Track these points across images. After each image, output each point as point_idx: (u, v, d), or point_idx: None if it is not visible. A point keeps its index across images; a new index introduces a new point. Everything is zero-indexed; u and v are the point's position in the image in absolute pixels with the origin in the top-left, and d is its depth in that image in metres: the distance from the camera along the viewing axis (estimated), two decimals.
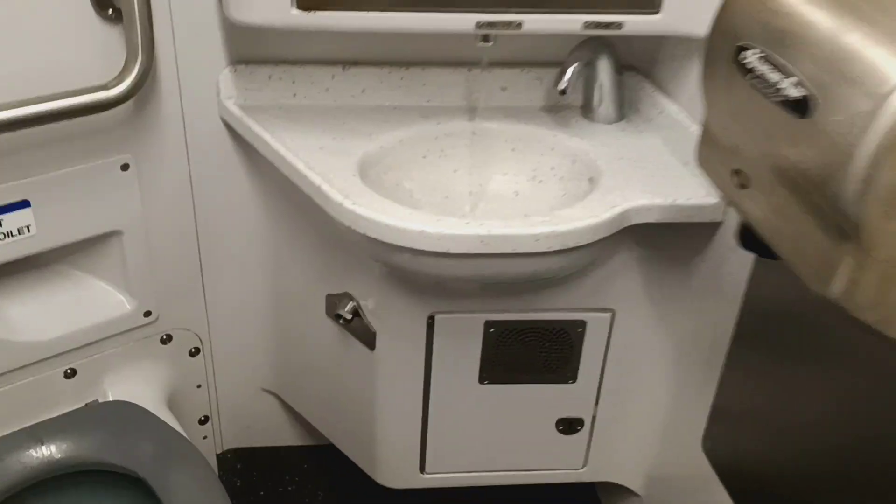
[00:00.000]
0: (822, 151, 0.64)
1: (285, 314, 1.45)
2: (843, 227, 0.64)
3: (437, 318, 1.23)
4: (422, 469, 1.39)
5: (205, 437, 1.63)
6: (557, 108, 1.34)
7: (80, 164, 1.20)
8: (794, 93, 0.65)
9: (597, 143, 1.25)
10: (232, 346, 1.53)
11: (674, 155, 1.20)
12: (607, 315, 1.26)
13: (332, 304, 1.31)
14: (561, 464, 1.41)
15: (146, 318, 1.39)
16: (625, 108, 1.31)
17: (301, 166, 1.13)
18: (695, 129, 1.17)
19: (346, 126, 1.25)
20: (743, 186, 0.78)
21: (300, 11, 1.05)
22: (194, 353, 1.51)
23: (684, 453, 1.26)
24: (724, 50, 0.74)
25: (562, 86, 1.21)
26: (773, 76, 0.68)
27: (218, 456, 1.67)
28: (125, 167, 1.25)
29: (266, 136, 1.20)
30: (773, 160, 0.71)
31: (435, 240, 1.02)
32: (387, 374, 1.30)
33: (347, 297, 1.28)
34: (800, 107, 0.65)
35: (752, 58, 0.71)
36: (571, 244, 1.05)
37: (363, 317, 1.27)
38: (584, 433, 1.38)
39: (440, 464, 1.39)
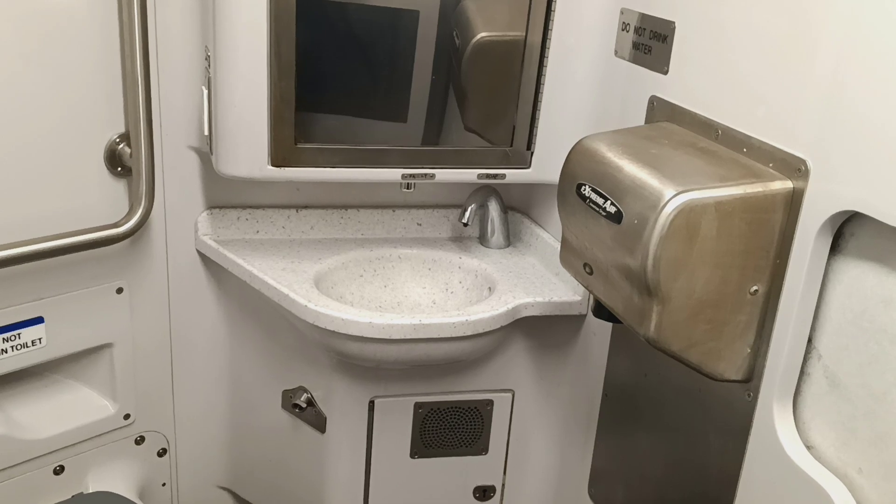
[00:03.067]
0: (630, 244, 1.04)
1: (244, 412, 1.73)
2: (648, 289, 1.03)
3: (377, 401, 1.55)
4: None
5: None
6: (461, 239, 1.74)
7: (85, 287, 1.50)
8: (611, 209, 1.06)
9: (492, 262, 1.65)
10: (193, 447, 1.78)
11: (548, 269, 1.61)
12: (509, 394, 1.62)
13: (288, 397, 1.62)
14: None
15: (125, 421, 1.65)
16: (511, 237, 1.73)
17: (270, 281, 1.47)
18: (556, 246, 1.58)
19: (300, 253, 1.61)
20: (590, 273, 1.17)
21: (273, 167, 1.42)
22: (161, 453, 1.75)
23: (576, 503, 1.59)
24: (569, 187, 1.15)
25: (464, 220, 1.62)
26: (599, 200, 1.09)
27: None
28: (120, 290, 1.55)
29: (240, 261, 1.54)
30: (605, 254, 1.11)
31: (380, 328, 1.36)
32: (335, 453, 1.59)
33: (302, 389, 1.60)
34: (615, 217, 1.05)
35: (586, 190, 1.12)
36: (480, 330, 1.41)
37: (315, 405, 1.58)
38: (496, 500, 1.69)
39: None
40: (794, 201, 1.00)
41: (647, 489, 1.36)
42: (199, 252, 1.63)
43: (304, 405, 1.58)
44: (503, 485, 1.69)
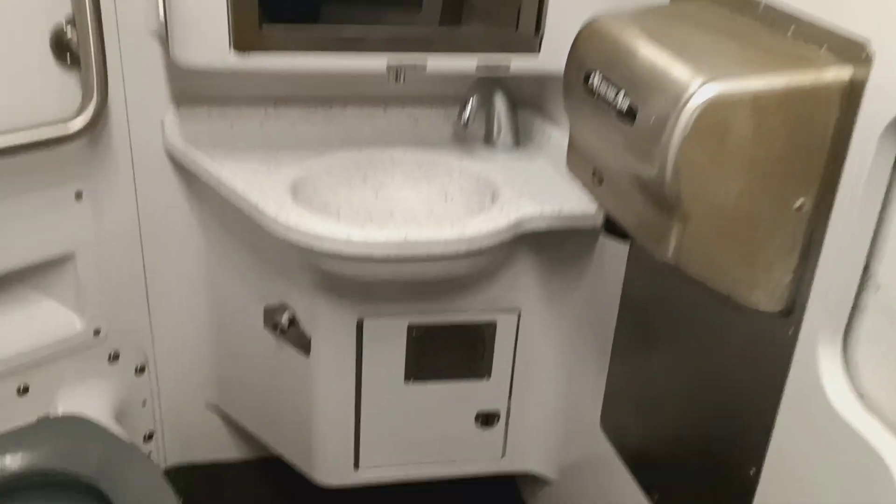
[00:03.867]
0: (645, 148, 0.84)
1: (226, 330, 1.59)
2: (667, 203, 0.83)
3: (366, 322, 1.39)
4: (356, 465, 1.53)
5: (150, 453, 1.73)
6: (463, 139, 1.54)
7: (37, 192, 1.34)
8: (623, 105, 0.85)
9: (497, 166, 1.45)
10: (176, 364, 1.65)
11: (560, 174, 1.41)
12: (514, 315, 1.45)
13: (270, 315, 1.47)
14: (481, 455, 1.57)
15: (95, 337, 1.51)
16: (520, 137, 1.52)
17: (240, 186, 1.30)
18: None
19: (278, 156, 1.42)
20: (600, 182, 0.97)
21: (237, 53, 1.22)
22: (140, 370, 1.63)
23: (587, 435, 1.43)
24: (576, 76, 0.94)
25: (464, 118, 1.41)
26: (610, 93, 0.88)
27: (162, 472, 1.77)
28: (79, 195, 1.39)
29: (207, 162, 1.36)
30: (616, 160, 0.91)
31: (360, 245, 1.19)
32: (321, 378, 1.45)
33: (283, 307, 1.44)
34: (628, 115, 0.85)
35: (595, 79, 0.91)
36: (476, 248, 1.23)
37: (298, 325, 1.43)
38: (500, 425, 1.55)
39: (372, 459, 1.53)
40: (852, 95, 0.78)
41: (665, 425, 1.19)
42: (168, 153, 1.45)
43: (286, 325, 1.42)
44: (508, 410, 1.54)
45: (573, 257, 1.39)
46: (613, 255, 1.28)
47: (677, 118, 0.79)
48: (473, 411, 1.53)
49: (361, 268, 1.24)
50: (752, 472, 0.99)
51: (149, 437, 1.72)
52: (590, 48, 0.94)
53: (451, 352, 1.46)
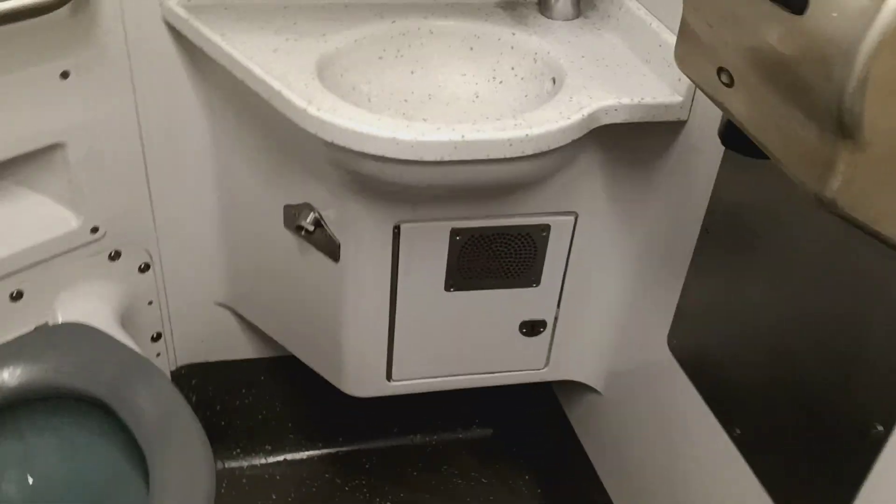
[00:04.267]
0: (817, 49, 0.63)
1: (240, 227, 1.41)
2: (838, 125, 0.64)
3: (404, 227, 1.21)
4: (388, 377, 1.40)
5: (158, 355, 1.60)
6: (514, 5, 1.30)
7: (16, 71, 1.12)
8: None
9: (556, 41, 1.22)
10: (183, 261, 1.48)
11: (635, 53, 1.19)
12: (570, 218, 1.26)
13: (291, 215, 1.28)
14: (523, 365, 1.44)
15: (93, 235, 1.33)
16: (582, 5, 1.28)
17: (257, 70, 1.08)
18: (656, 26, 1.15)
19: (298, 27, 1.19)
20: (728, 85, 0.77)
21: None
22: (144, 268, 1.46)
23: (648, 351, 1.29)
24: None
25: None
26: None
27: (172, 373, 1.65)
28: (65, 75, 1.17)
29: (216, 38, 1.13)
30: (762, 58, 0.70)
31: (407, 147, 0.99)
32: (352, 286, 1.28)
33: (308, 207, 1.25)
34: (796, 2, 0.64)
35: None
36: (545, 147, 1.03)
37: (326, 227, 1.25)
38: (546, 334, 1.40)
39: (406, 371, 1.39)
40: None
41: (756, 357, 1.04)
42: (167, 24, 1.21)
43: (311, 228, 1.24)
44: (556, 319, 1.39)
45: (649, 154, 1.19)
46: (704, 156, 1.08)
47: (874, 15, 0.58)
48: (518, 320, 1.38)
49: (407, 171, 1.04)
50: (877, 429, 0.84)
51: (157, 338, 1.57)
52: None
53: (497, 258, 1.28)
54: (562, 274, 1.33)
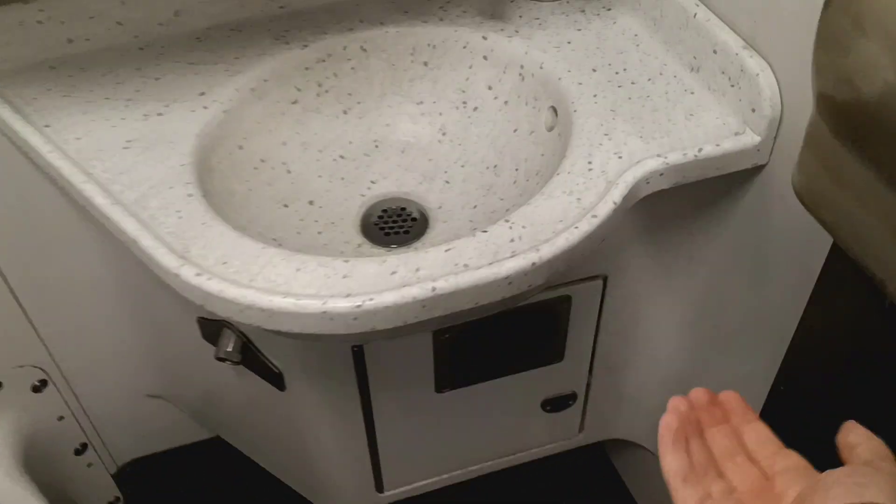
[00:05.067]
0: None
1: (154, 331, 1.04)
2: None
3: (367, 345, 0.85)
4: (379, 489, 1.07)
5: (90, 465, 1.27)
6: None
7: None
8: None
9: (550, 41, 0.82)
10: (91, 365, 1.12)
11: (673, 55, 0.78)
12: (598, 282, 0.90)
13: (210, 332, 0.91)
14: (550, 439, 1.11)
15: None
16: None
17: (99, 200, 0.68)
18: (692, 6, 0.74)
19: (160, 85, 0.79)
20: None
21: None
22: (39, 386, 1.11)
23: None
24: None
25: None
26: None
27: (114, 475, 1.33)
28: None
29: (35, 139, 0.73)
30: None
31: (348, 321, 0.61)
32: (310, 415, 0.93)
33: (226, 327, 0.88)
34: None
35: None
36: (562, 268, 0.66)
37: (257, 353, 0.89)
38: (577, 405, 1.07)
39: (401, 479, 1.07)
40: None
41: None
42: None
43: (237, 358, 0.88)
44: (588, 385, 1.05)
45: (707, 205, 0.82)
46: (786, 199, 0.71)
47: None
48: (539, 399, 1.04)
49: (353, 339, 0.67)
50: None
51: (82, 449, 1.24)
52: None
53: (503, 344, 0.93)
54: (591, 344, 0.98)
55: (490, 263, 0.63)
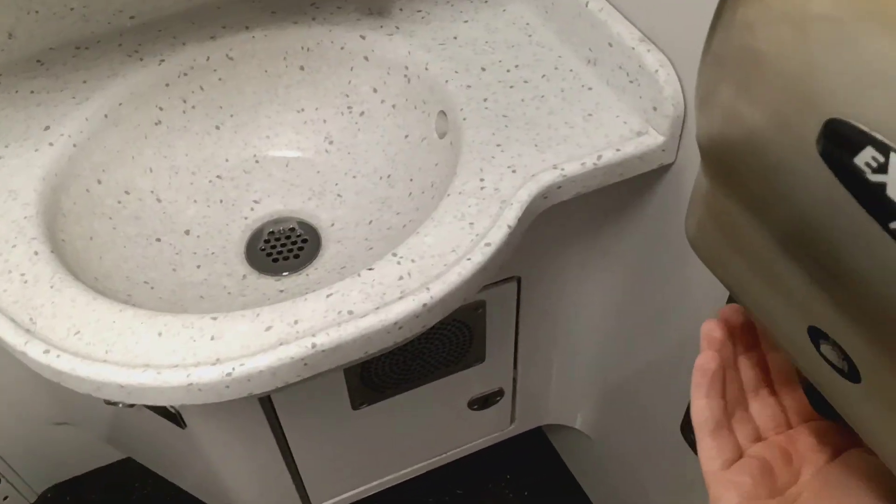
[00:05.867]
0: None
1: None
2: None
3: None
4: None
5: (6, 498, 1.21)
6: None
7: None
8: None
9: (434, 39, 0.74)
10: None
11: (570, 45, 0.72)
12: (511, 284, 0.85)
13: None
14: (482, 434, 1.08)
15: None
16: None
17: None
18: (595, 5, 0.67)
19: (5, 122, 0.70)
20: (843, 374, 0.35)
21: None
22: None
23: (655, 434, 0.93)
24: (785, 106, 0.28)
25: None
26: None
27: (35, 503, 1.26)
28: None
29: None
30: None
31: (220, 389, 0.55)
32: (217, 450, 0.88)
33: None
34: None
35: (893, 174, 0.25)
36: (455, 305, 0.60)
37: None
38: (505, 400, 1.03)
39: (329, 491, 1.02)
40: None
41: None
42: None
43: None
44: (515, 380, 1.00)
45: (618, 205, 0.76)
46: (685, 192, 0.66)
47: None
48: (465, 400, 0.99)
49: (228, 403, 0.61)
50: None
51: None
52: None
53: (417, 357, 0.88)
54: (513, 342, 0.93)
55: (377, 308, 0.57)
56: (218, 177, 0.77)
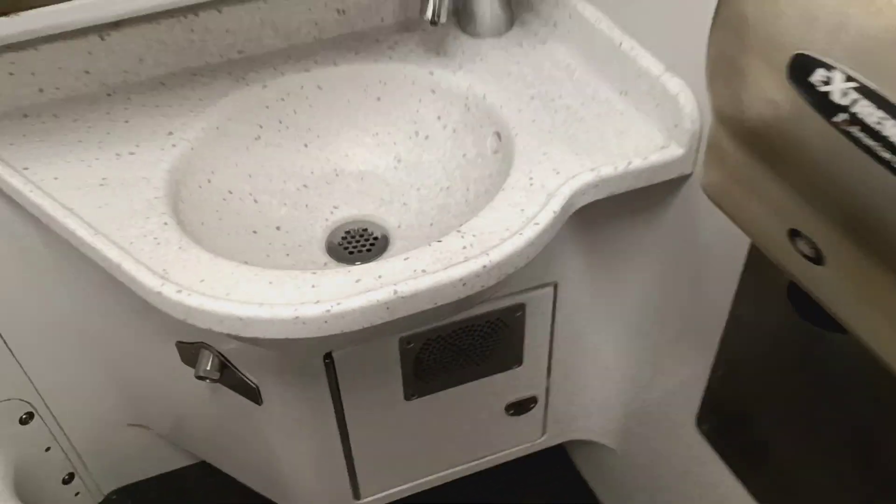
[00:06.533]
0: None
1: (133, 362, 1.09)
2: None
3: (337, 355, 0.91)
4: (356, 496, 1.13)
5: (77, 494, 1.31)
6: (424, 27, 0.96)
7: None
8: None
9: (491, 74, 0.90)
10: (73, 397, 1.17)
11: (604, 79, 0.87)
12: (549, 289, 0.97)
13: (188, 355, 0.97)
14: (516, 442, 1.18)
15: None
16: (515, 7, 0.95)
17: (82, 232, 0.75)
18: (618, 38, 0.83)
19: (130, 126, 0.85)
20: (816, 260, 0.47)
21: None
22: (26, 419, 1.16)
23: (672, 432, 1.04)
24: (765, 51, 0.41)
25: (428, 14, 0.84)
26: (872, 116, 0.36)
27: (101, 503, 1.37)
28: None
29: (15, 180, 0.79)
30: (866, 222, 0.41)
31: (319, 324, 0.68)
32: (286, 427, 0.99)
33: (203, 346, 0.94)
34: None
35: (832, 79, 0.39)
36: (511, 270, 0.73)
37: (234, 370, 0.94)
38: (538, 408, 1.14)
39: (377, 485, 1.13)
40: None
41: (807, 457, 0.79)
42: None
43: (216, 375, 0.94)
44: (547, 389, 1.12)
45: (642, 213, 0.90)
46: (704, 201, 0.79)
47: None
48: (503, 403, 1.10)
49: (322, 343, 0.74)
50: None
51: (69, 479, 1.29)
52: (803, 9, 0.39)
53: (463, 353, 1.00)
54: (547, 348, 1.05)
55: (445, 268, 0.70)
56: (304, 185, 0.92)
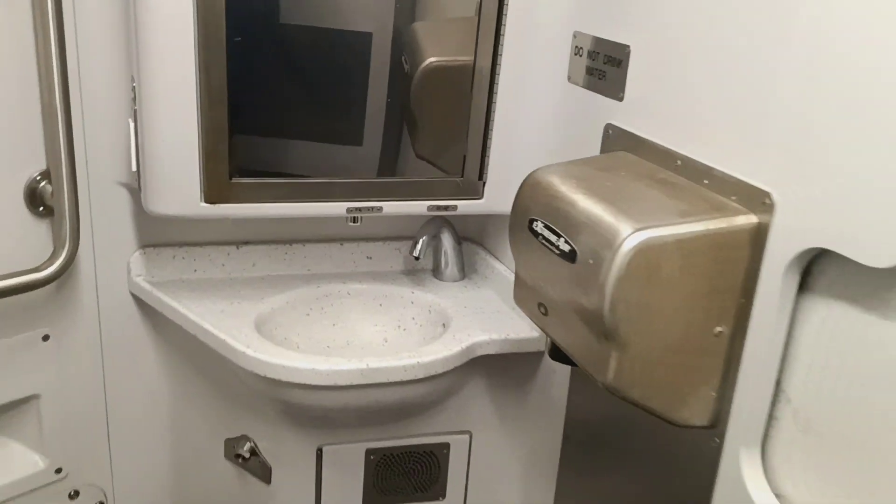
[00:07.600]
0: (586, 285, 0.96)
1: (187, 462, 1.62)
2: (606, 333, 0.95)
3: (325, 449, 1.46)
4: None
5: None
6: (413, 272, 1.66)
7: (7, 336, 1.39)
8: (565, 247, 0.99)
9: (446, 296, 1.56)
10: (134, 499, 1.67)
11: (505, 302, 1.53)
12: (466, 436, 1.53)
13: (231, 446, 1.52)
14: None
15: (57, 475, 1.53)
16: (466, 270, 1.65)
17: (207, 326, 1.38)
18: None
19: (241, 293, 1.51)
20: (545, 314, 1.09)
21: (206, 204, 1.33)
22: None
23: None
24: (521, 222, 1.08)
25: (416, 253, 1.54)
26: (552, 237, 1.01)
27: None
28: (46, 338, 1.44)
29: (174, 304, 1.44)
30: (560, 294, 1.04)
31: (324, 375, 1.27)
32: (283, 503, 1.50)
33: (245, 438, 1.50)
34: (569, 256, 0.98)
35: (538, 226, 1.05)
36: (433, 372, 1.33)
37: (259, 454, 1.48)
38: None
39: None
40: (759, 237, 0.93)
41: None
42: (133, 295, 1.52)
43: (247, 455, 1.48)
44: None
45: (520, 379, 1.50)
46: (557, 377, 1.39)
47: (612, 260, 0.92)
48: None
49: (327, 396, 1.32)
50: None
51: None
52: (532, 198, 1.07)
53: (407, 474, 1.52)
54: (464, 488, 1.57)
55: (396, 360, 1.31)
56: (327, 346, 1.55)
